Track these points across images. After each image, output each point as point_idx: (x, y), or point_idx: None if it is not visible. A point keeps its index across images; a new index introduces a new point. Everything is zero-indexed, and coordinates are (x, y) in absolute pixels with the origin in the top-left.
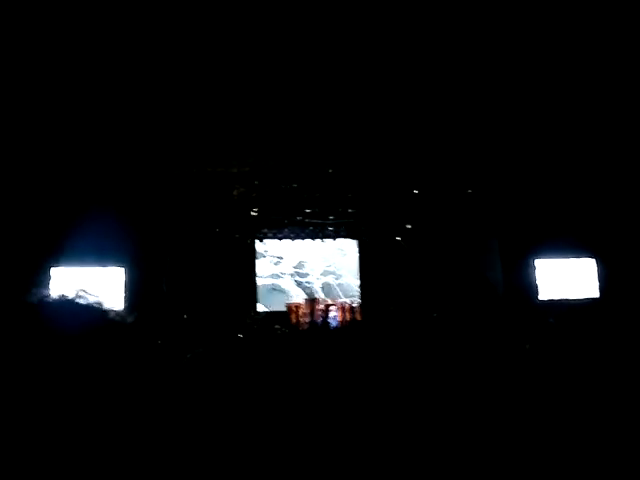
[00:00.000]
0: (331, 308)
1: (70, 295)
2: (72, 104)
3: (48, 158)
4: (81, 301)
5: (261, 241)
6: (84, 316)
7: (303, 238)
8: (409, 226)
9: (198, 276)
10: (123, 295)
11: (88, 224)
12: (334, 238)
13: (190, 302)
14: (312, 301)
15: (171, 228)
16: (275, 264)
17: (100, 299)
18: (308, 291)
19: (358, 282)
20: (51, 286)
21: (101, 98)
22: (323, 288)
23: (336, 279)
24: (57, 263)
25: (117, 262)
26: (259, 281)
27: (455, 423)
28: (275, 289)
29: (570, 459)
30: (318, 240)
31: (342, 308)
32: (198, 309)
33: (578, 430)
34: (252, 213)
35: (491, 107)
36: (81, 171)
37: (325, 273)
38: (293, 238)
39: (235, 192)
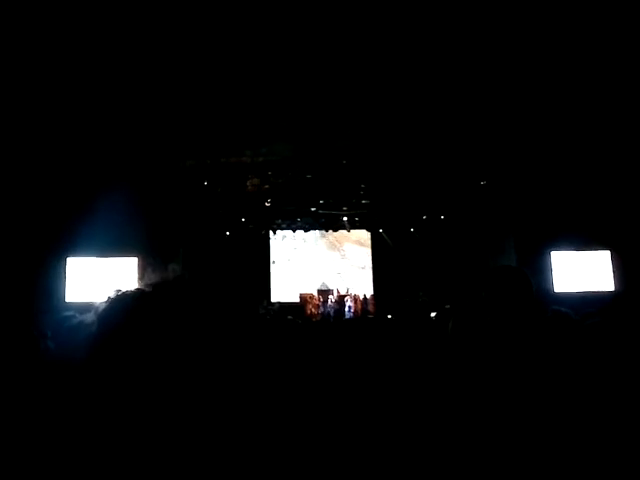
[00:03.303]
0: (345, 299)
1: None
2: (88, 92)
3: (63, 148)
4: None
5: (274, 232)
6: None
7: (317, 229)
8: (424, 217)
9: (211, 266)
10: (137, 285)
11: (103, 215)
12: (348, 229)
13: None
14: (325, 292)
15: (184, 218)
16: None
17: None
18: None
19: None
20: (67, 275)
21: (116, 86)
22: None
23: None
24: (72, 253)
25: (131, 252)
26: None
27: (469, 417)
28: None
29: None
30: (331, 231)
31: (355, 299)
32: (211, 299)
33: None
34: (266, 204)
35: (506, 98)
36: (95, 161)
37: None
38: (307, 229)
39: (249, 183)
